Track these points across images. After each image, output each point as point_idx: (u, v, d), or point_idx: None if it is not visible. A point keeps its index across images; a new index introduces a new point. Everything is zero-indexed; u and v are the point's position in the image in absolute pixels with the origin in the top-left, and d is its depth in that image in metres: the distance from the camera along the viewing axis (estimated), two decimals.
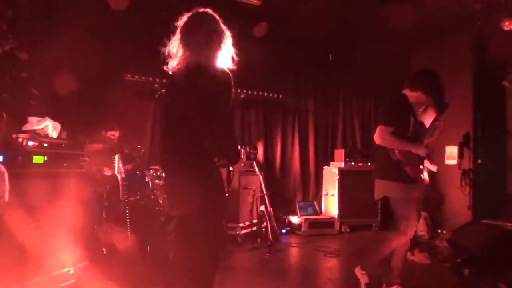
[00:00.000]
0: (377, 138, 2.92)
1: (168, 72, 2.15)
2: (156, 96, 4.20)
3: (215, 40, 2.07)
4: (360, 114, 7.14)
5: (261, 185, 5.32)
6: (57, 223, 2.94)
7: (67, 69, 4.33)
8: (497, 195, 5.44)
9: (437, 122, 3.01)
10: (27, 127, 3.29)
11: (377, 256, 3.02)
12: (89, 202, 3.38)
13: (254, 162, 5.50)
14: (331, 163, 6.50)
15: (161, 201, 4.01)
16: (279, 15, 5.37)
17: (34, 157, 2.99)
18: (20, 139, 2.97)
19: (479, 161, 5.49)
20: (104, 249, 3.39)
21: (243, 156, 5.41)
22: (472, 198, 5.46)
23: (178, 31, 2.11)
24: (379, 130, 2.90)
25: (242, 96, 5.75)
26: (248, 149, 5.54)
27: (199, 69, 1.98)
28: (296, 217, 5.99)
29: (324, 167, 6.50)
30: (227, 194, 2.15)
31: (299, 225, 5.82)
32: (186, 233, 2.06)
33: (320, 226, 5.85)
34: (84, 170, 3.37)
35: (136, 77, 5.20)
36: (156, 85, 5.05)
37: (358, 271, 3.14)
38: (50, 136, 3.32)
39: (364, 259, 3.15)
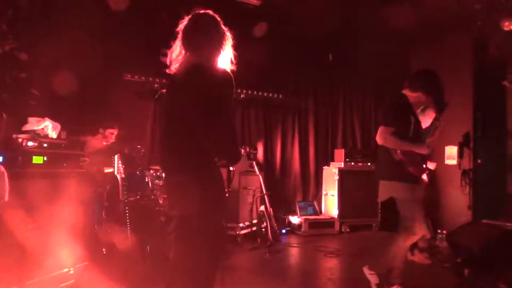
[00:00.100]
0: (379, 138, 2.93)
1: (169, 73, 2.16)
2: (156, 96, 4.21)
3: (216, 41, 2.07)
4: (360, 114, 7.14)
5: (261, 185, 5.32)
6: (57, 223, 2.94)
7: (67, 69, 4.33)
8: (497, 195, 5.43)
9: (437, 122, 3.02)
10: (27, 127, 3.30)
11: (386, 257, 2.99)
12: (89, 202, 3.39)
13: (254, 162, 5.50)
14: (331, 163, 6.50)
15: (161, 201, 4.01)
16: (279, 15, 5.37)
17: (34, 157, 2.99)
18: (20, 140, 2.97)
19: (479, 161, 5.49)
20: (104, 249, 3.40)
21: (243, 157, 5.41)
22: (472, 198, 5.46)
23: (179, 33, 2.12)
24: (381, 130, 2.91)
25: (242, 96, 5.75)
26: (248, 149, 5.54)
27: (199, 69, 1.98)
28: (296, 217, 5.99)
29: (324, 167, 6.50)
30: (227, 194, 2.15)
31: (299, 225, 5.82)
32: (186, 233, 2.06)
33: (320, 226, 5.85)
34: (84, 170, 3.37)
35: (136, 77, 5.20)
36: (156, 85, 5.06)
37: (366, 271, 3.11)
38: (50, 136, 3.32)
39: (372, 260, 3.10)
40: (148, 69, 5.17)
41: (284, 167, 6.57)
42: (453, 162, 5.81)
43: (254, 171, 5.39)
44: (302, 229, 5.72)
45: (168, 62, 2.15)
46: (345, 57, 6.65)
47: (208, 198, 1.96)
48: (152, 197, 4.06)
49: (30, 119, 3.35)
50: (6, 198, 2.59)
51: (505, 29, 4.81)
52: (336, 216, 5.99)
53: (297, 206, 6.15)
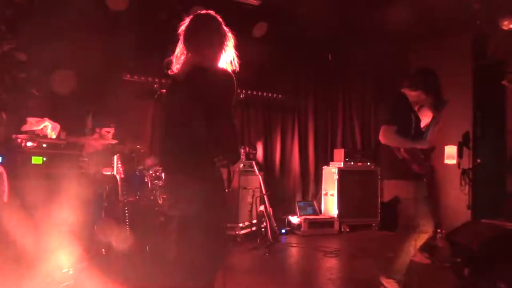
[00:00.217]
0: (382, 138, 2.93)
1: (171, 74, 2.16)
2: (156, 96, 4.20)
3: (217, 41, 2.08)
4: (360, 114, 7.14)
5: (260, 185, 5.32)
6: (56, 223, 2.94)
7: (66, 69, 4.32)
8: (496, 195, 5.43)
9: (436, 119, 3.03)
10: (26, 127, 3.30)
11: (398, 261, 2.93)
12: (88, 202, 3.38)
13: (254, 162, 5.50)
14: (330, 163, 6.50)
15: (160, 202, 4.01)
16: (278, 15, 5.37)
17: (33, 157, 2.99)
18: (19, 140, 2.97)
19: (479, 160, 5.49)
20: (103, 250, 3.39)
21: (242, 157, 5.41)
22: (471, 198, 5.46)
23: (181, 34, 2.12)
24: (383, 130, 2.92)
25: (241, 96, 5.75)
26: (247, 149, 5.54)
27: (201, 70, 1.99)
28: (295, 217, 5.99)
29: (323, 167, 6.50)
30: (227, 195, 2.15)
31: (299, 225, 5.81)
32: (186, 234, 2.06)
33: (319, 226, 5.84)
34: (83, 170, 3.36)
35: (136, 77, 5.20)
36: (155, 85, 5.05)
37: (384, 281, 3.01)
38: (49, 136, 3.32)
39: (385, 266, 3.01)
40: (147, 69, 5.17)
41: (284, 167, 6.57)
42: (453, 161, 5.81)
43: (254, 171, 5.39)
44: (302, 229, 5.72)
45: (172, 61, 2.15)
46: (344, 57, 6.65)
47: (208, 198, 1.96)
48: (152, 197, 4.05)
49: (30, 119, 3.35)
50: (5, 198, 2.59)
51: (504, 28, 4.81)
52: (335, 216, 5.99)
53: (296, 206, 6.14)
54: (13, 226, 2.59)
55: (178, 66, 2.12)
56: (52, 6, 4.40)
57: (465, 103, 5.66)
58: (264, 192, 5.23)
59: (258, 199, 5.23)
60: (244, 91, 5.83)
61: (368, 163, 6.37)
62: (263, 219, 4.95)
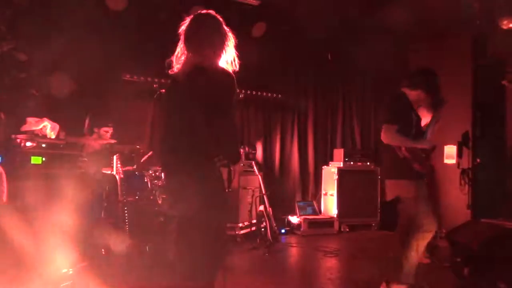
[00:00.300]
0: (384, 137, 2.93)
1: (171, 74, 2.16)
2: (155, 96, 4.20)
3: (218, 42, 2.08)
4: (360, 114, 7.13)
5: (260, 185, 5.32)
6: (56, 223, 2.93)
7: (66, 69, 4.33)
8: (496, 194, 5.43)
9: (436, 119, 3.03)
10: (25, 127, 3.29)
11: (407, 263, 2.89)
12: (88, 202, 3.37)
13: (253, 162, 5.50)
14: (330, 162, 6.50)
15: (160, 202, 4.01)
16: (277, 15, 5.37)
17: (32, 157, 2.99)
18: (18, 140, 2.97)
19: (478, 160, 5.49)
20: (103, 250, 3.39)
21: (242, 156, 5.41)
22: (471, 197, 5.46)
23: (181, 34, 2.12)
24: (385, 129, 2.91)
25: (241, 96, 5.74)
26: (247, 149, 5.54)
27: (201, 70, 1.99)
28: (295, 217, 5.99)
29: (323, 167, 6.49)
30: (227, 195, 2.15)
31: (299, 225, 5.81)
32: (186, 234, 2.06)
33: (319, 226, 5.84)
34: (82, 170, 3.36)
35: (135, 77, 5.20)
36: (155, 85, 5.05)
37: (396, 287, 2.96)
38: (48, 136, 3.32)
39: (395, 272, 2.94)
40: (147, 69, 5.17)
41: (283, 167, 6.57)
42: (452, 161, 5.81)
43: (253, 171, 5.39)
44: (302, 229, 5.72)
45: (173, 61, 2.15)
46: (344, 57, 6.65)
47: (208, 199, 1.96)
48: (151, 197, 4.05)
49: (29, 119, 3.35)
50: (4, 198, 2.58)
51: (504, 27, 4.81)
52: (335, 216, 5.99)
53: (296, 205, 6.14)
54: (12, 226, 2.59)
55: (179, 66, 2.12)
56: (51, 6, 4.40)
57: (464, 103, 5.66)
58: (263, 192, 5.23)
59: (257, 199, 5.23)
60: (243, 91, 5.83)
61: (368, 163, 6.36)
62: (263, 219, 4.95)
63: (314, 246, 5.02)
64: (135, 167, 4.18)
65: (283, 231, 5.73)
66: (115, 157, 3.64)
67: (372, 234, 6.05)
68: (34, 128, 3.27)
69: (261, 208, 5.03)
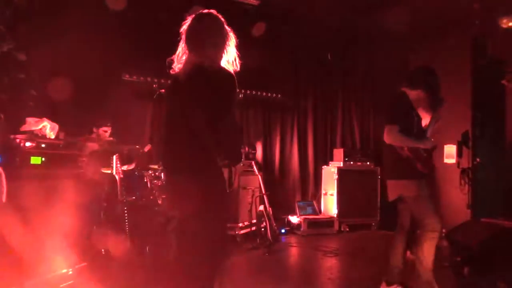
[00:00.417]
0: (386, 137, 2.91)
1: (172, 73, 2.16)
2: (155, 96, 4.20)
3: (219, 41, 2.08)
4: (359, 113, 7.13)
5: (260, 185, 5.32)
6: (55, 224, 2.93)
7: (65, 69, 4.32)
8: (496, 194, 5.44)
9: (436, 118, 3.03)
10: (25, 127, 3.29)
11: (424, 268, 2.87)
12: (87, 202, 3.37)
13: (253, 162, 5.50)
14: (330, 162, 6.50)
15: (160, 202, 4.00)
16: (277, 15, 5.37)
17: (32, 158, 2.98)
18: (17, 140, 2.96)
19: (478, 160, 5.49)
20: (102, 250, 3.39)
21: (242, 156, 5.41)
22: (471, 197, 5.46)
23: (183, 33, 2.12)
24: (387, 129, 2.89)
25: (240, 96, 5.75)
26: (247, 149, 5.53)
27: (202, 70, 1.98)
28: (295, 216, 5.98)
29: (323, 167, 6.49)
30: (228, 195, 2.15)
31: (298, 225, 5.81)
32: (186, 234, 2.06)
33: (319, 226, 5.84)
34: (82, 170, 3.36)
35: (135, 77, 5.20)
36: (154, 85, 5.05)
37: None
38: (48, 136, 3.32)
39: (416, 281, 2.91)
40: (146, 69, 5.17)
41: (283, 167, 6.56)
42: (452, 161, 5.81)
43: (253, 171, 5.39)
44: (302, 229, 5.72)
45: (174, 60, 2.15)
46: (344, 56, 6.65)
47: (209, 199, 1.96)
48: (151, 197, 4.05)
49: (28, 120, 3.35)
50: (4, 198, 2.58)
51: (503, 26, 4.81)
52: (335, 216, 5.98)
53: (296, 205, 6.14)
54: (12, 227, 2.59)
55: (180, 65, 2.11)
56: (51, 6, 4.40)
57: (464, 102, 5.66)
58: (263, 192, 5.23)
59: (257, 199, 5.23)
60: (243, 91, 5.83)
61: (368, 163, 6.37)
62: (263, 219, 4.95)
63: (314, 246, 5.02)
64: (133, 166, 4.17)
65: (283, 231, 5.73)
66: (114, 157, 3.64)
67: (372, 234, 6.05)
68: (33, 128, 3.27)
69: (261, 208, 5.03)
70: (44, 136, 3.28)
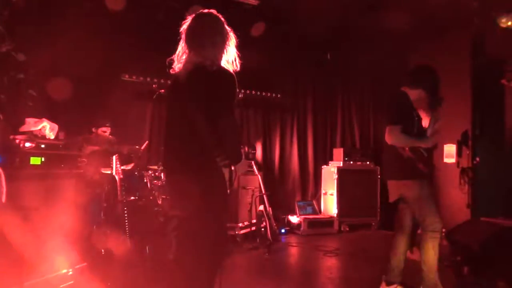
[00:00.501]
0: (388, 138, 2.89)
1: (172, 73, 2.16)
2: (154, 96, 4.19)
3: (219, 41, 2.08)
4: (359, 113, 7.14)
5: (260, 185, 5.32)
6: (55, 224, 2.92)
7: (65, 70, 4.32)
8: (495, 193, 5.43)
9: (435, 117, 3.02)
10: (24, 128, 3.29)
11: (426, 267, 2.87)
12: (87, 203, 3.37)
13: (253, 162, 5.50)
14: (329, 162, 6.50)
15: (159, 202, 4.00)
16: (276, 15, 5.36)
17: (32, 158, 2.97)
18: (17, 140, 2.96)
19: (478, 159, 5.49)
20: (102, 250, 3.38)
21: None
22: (470, 196, 5.46)
23: (183, 33, 2.12)
24: (389, 130, 2.87)
25: (240, 96, 5.75)
26: (246, 148, 5.53)
27: (202, 69, 1.99)
28: (295, 216, 5.99)
29: (323, 166, 6.50)
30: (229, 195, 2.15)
31: (298, 225, 5.81)
32: (187, 233, 2.06)
33: (319, 226, 5.84)
34: (82, 171, 3.35)
35: (134, 77, 5.20)
36: (154, 86, 5.06)
37: None
38: (47, 137, 3.31)
39: (423, 283, 2.92)
40: (146, 69, 5.17)
41: (283, 167, 6.57)
42: (452, 160, 5.81)
43: (253, 171, 5.39)
44: (302, 229, 5.72)
45: (174, 59, 2.15)
46: (343, 56, 6.65)
47: (209, 199, 1.96)
48: (151, 197, 4.04)
49: (28, 120, 3.34)
50: (3, 199, 2.58)
51: (502, 25, 4.81)
52: (335, 215, 5.99)
53: (296, 205, 6.15)
54: (12, 227, 2.58)
55: (180, 65, 2.12)
56: (50, 6, 4.40)
57: (464, 102, 5.66)
58: (263, 192, 5.23)
59: (257, 199, 5.23)
60: (242, 91, 5.83)
61: (368, 162, 6.37)
62: (263, 219, 4.95)
63: (314, 246, 5.02)
64: (132, 165, 4.17)
65: (283, 231, 5.73)
66: (114, 157, 3.64)
67: (372, 233, 6.05)
68: (33, 129, 3.26)
69: (261, 208, 5.03)
70: (43, 137, 3.27)
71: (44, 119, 3.39)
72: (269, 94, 6.31)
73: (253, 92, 6.10)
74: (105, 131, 4.42)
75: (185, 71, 2.05)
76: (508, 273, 3.24)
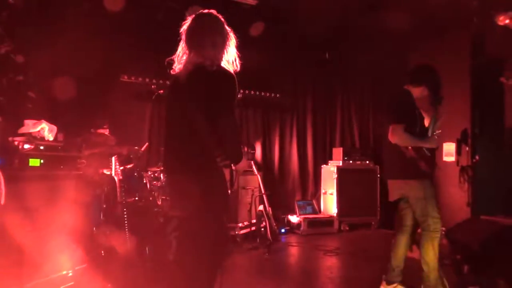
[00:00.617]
0: (392, 137, 2.87)
1: (172, 74, 2.16)
2: (153, 97, 4.19)
3: (220, 41, 2.08)
4: (358, 112, 7.14)
5: (259, 184, 5.32)
6: (55, 225, 2.92)
7: (63, 71, 4.31)
8: (495, 192, 5.43)
9: (436, 116, 3.02)
10: (23, 130, 3.28)
11: (428, 268, 2.86)
12: (87, 204, 3.36)
13: (252, 162, 5.49)
14: (329, 161, 6.50)
15: (159, 203, 4.00)
16: (275, 15, 5.36)
17: (31, 160, 2.97)
18: (16, 142, 2.95)
19: (477, 157, 5.49)
20: (102, 251, 3.38)
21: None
22: (470, 195, 5.46)
23: (183, 34, 2.12)
24: (393, 129, 2.85)
25: (239, 96, 5.74)
26: (246, 148, 5.53)
27: (203, 69, 1.99)
28: (295, 216, 5.99)
29: (322, 166, 6.50)
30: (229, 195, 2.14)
31: (298, 224, 5.81)
32: (187, 234, 2.06)
33: (319, 225, 5.85)
34: (81, 172, 3.35)
35: (133, 78, 5.20)
36: (153, 86, 5.05)
37: None
38: (46, 138, 3.30)
39: (424, 283, 2.91)
40: (144, 70, 5.17)
41: (283, 166, 6.57)
42: (451, 159, 5.81)
43: (253, 171, 5.39)
44: (301, 228, 5.72)
45: (174, 60, 2.15)
46: (342, 56, 6.65)
47: (209, 199, 1.96)
48: (151, 198, 4.04)
49: (26, 122, 3.33)
50: (2, 201, 2.57)
51: (500, 23, 4.81)
52: (335, 215, 5.99)
53: (296, 205, 6.15)
54: (11, 229, 2.58)
55: (180, 66, 2.12)
56: (48, 7, 4.39)
57: (463, 100, 5.66)
58: (263, 191, 5.23)
59: (257, 199, 5.23)
60: (242, 91, 5.82)
61: (367, 162, 6.37)
62: (263, 219, 4.95)
63: (314, 245, 5.03)
64: (131, 165, 4.16)
65: (283, 230, 5.73)
66: (113, 158, 3.63)
67: (372, 232, 6.05)
68: (31, 130, 3.25)
69: (261, 207, 5.03)
70: (42, 138, 3.26)
71: (43, 120, 3.38)
72: (268, 94, 6.31)
73: (253, 92, 6.10)
74: (104, 132, 4.41)
75: (185, 72, 2.05)
76: (508, 271, 3.24)
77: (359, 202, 6.11)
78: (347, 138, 7.05)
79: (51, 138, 3.36)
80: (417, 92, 2.98)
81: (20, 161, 2.90)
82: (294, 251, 4.96)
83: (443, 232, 4.57)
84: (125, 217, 3.50)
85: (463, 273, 3.52)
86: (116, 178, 3.64)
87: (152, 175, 4.16)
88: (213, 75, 1.98)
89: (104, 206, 3.73)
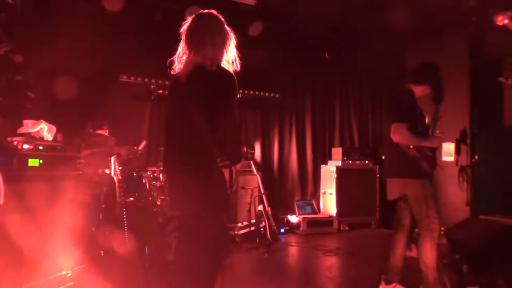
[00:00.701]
0: (395, 136, 2.86)
1: (172, 74, 2.16)
2: (153, 97, 4.19)
3: (220, 41, 2.09)
4: (358, 112, 7.15)
5: (258, 184, 5.31)
6: (54, 226, 2.92)
7: (63, 71, 4.31)
8: (494, 191, 5.44)
9: (436, 115, 3.02)
10: (22, 130, 3.27)
11: (427, 268, 2.85)
12: (86, 204, 3.36)
13: (252, 162, 5.50)
14: (328, 161, 6.51)
15: (158, 203, 4.00)
16: (274, 15, 5.36)
17: (30, 160, 2.97)
18: (15, 142, 2.95)
19: (476, 157, 5.50)
20: (101, 252, 3.38)
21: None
22: (470, 194, 5.47)
23: (183, 34, 2.12)
24: (396, 127, 2.84)
25: (239, 96, 5.74)
26: (245, 148, 5.53)
27: (202, 69, 1.99)
28: (294, 216, 5.99)
29: (321, 166, 6.50)
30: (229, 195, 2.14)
31: (298, 224, 5.82)
32: (187, 234, 2.06)
33: (318, 225, 5.85)
34: (80, 172, 3.34)
35: (132, 78, 5.19)
36: (152, 86, 5.05)
37: None
38: (45, 138, 3.30)
39: (424, 282, 2.90)
40: (144, 70, 5.17)
41: (282, 166, 6.57)
42: (451, 158, 5.82)
43: (252, 171, 5.39)
44: (301, 228, 5.72)
45: (174, 60, 2.15)
46: (341, 55, 6.65)
47: (209, 199, 1.96)
48: (150, 198, 4.04)
49: (26, 122, 3.33)
50: (1, 201, 2.57)
51: (499, 23, 4.82)
52: (334, 215, 5.99)
53: (295, 205, 6.15)
54: (10, 229, 2.58)
55: (180, 66, 2.12)
56: (48, 8, 4.39)
57: (462, 100, 5.67)
58: (262, 191, 5.23)
59: (256, 199, 5.23)
60: (241, 91, 5.82)
61: (366, 161, 6.37)
62: (262, 219, 4.95)
63: (314, 245, 5.03)
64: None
65: (282, 230, 5.74)
66: (112, 158, 3.63)
67: (371, 232, 6.06)
68: (31, 131, 3.25)
69: (260, 207, 5.03)
70: (41, 138, 3.26)
71: (42, 120, 3.38)
72: (267, 94, 6.31)
73: (252, 92, 6.10)
74: (104, 132, 4.41)
75: (186, 71, 2.05)
76: (507, 271, 3.24)
77: (359, 202, 6.12)
78: (346, 138, 7.05)
79: (50, 138, 3.36)
80: (419, 90, 2.98)
81: (19, 161, 2.90)
82: (293, 251, 4.96)
83: (442, 232, 4.59)
84: (124, 217, 3.50)
85: (462, 272, 3.53)
86: (115, 178, 3.63)
87: (151, 175, 4.16)
88: (213, 75, 1.98)
89: (104, 206, 3.73)
